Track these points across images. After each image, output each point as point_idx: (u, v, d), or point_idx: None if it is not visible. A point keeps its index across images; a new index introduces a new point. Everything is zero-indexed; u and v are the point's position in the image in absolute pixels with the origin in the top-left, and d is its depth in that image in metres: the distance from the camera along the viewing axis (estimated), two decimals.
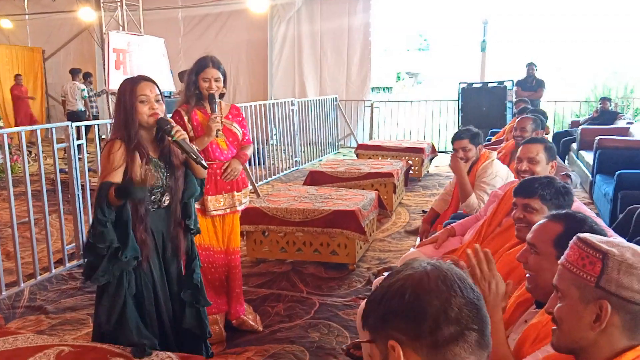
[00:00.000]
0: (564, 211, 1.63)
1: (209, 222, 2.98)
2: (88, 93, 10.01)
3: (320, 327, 3.19)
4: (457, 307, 0.89)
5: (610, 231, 2.13)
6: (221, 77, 2.91)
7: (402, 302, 0.91)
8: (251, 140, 3.21)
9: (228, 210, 3.02)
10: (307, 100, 9.36)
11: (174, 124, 2.18)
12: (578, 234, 1.20)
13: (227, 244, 3.07)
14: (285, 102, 8.55)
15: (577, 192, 4.68)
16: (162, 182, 2.21)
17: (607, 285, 1.11)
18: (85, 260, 2.14)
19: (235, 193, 3.02)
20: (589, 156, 6.25)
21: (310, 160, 9.11)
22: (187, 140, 2.20)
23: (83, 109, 9.85)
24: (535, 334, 1.45)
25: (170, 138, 2.16)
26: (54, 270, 4.07)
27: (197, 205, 2.70)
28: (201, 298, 2.35)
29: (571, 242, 1.21)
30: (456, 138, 3.68)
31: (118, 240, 2.06)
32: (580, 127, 7.47)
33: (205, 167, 2.26)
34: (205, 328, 2.40)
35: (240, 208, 3.08)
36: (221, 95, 2.96)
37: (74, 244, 4.40)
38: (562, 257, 1.23)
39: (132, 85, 2.16)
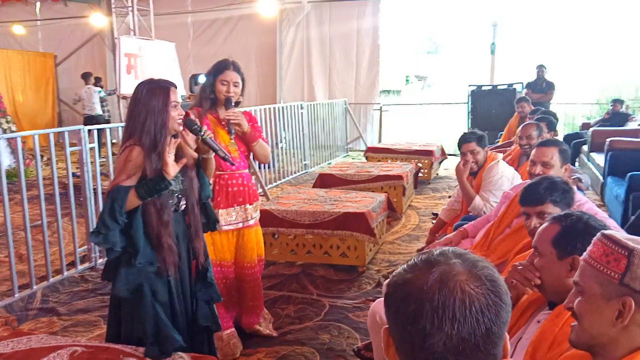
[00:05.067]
0: (563, 213, 1.63)
1: (223, 237, 2.88)
2: (104, 93, 10.09)
3: (331, 329, 3.20)
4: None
5: (613, 225, 2.12)
6: (240, 82, 2.78)
7: None
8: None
9: (240, 225, 2.90)
10: (316, 104, 9.38)
11: (198, 123, 2.25)
12: (603, 231, 1.19)
13: (240, 258, 2.97)
14: (294, 105, 8.57)
15: (588, 194, 4.65)
16: (179, 187, 2.22)
17: (631, 283, 1.10)
18: (106, 259, 2.17)
19: (248, 206, 2.90)
20: (600, 158, 6.21)
21: (320, 164, 9.12)
22: (213, 137, 2.29)
23: (101, 113, 9.91)
24: (552, 337, 1.43)
25: (200, 137, 2.23)
26: (66, 273, 4.11)
27: None
28: (214, 295, 2.39)
29: (595, 238, 1.20)
30: (463, 141, 3.63)
31: (130, 246, 2.07)
32: (591, 129, 7.43)
33: (232, 164, 2.37)
34: (218, 322, 2.44)
35: (252, 222, 2.96)
36: (236, 104, 2.82)
37: (85, 247, 4.44)
38: (585, 254, 1.21)
39: (164, 91, 2.14)
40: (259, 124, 2.99)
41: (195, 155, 2.30)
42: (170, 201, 2.20)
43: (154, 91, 2.14)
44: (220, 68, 2.77)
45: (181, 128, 2.20)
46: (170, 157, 2.08)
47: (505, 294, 0.83)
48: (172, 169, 2.08)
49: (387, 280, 0.91)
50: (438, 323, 0.78)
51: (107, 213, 2.01)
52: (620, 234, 1.17)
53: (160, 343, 2.09)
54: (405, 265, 0.87)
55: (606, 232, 1.19)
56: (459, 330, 0.78)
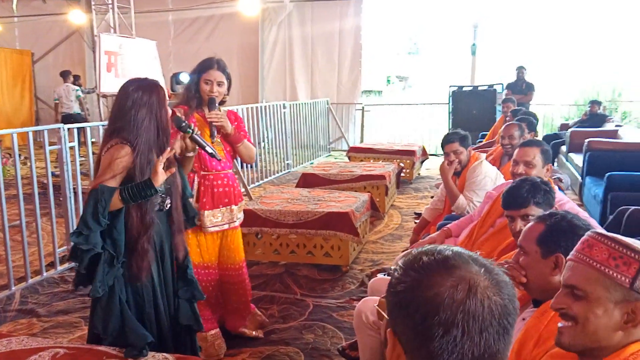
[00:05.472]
0: (547, 212, 1.66)
1: (208, 239, 2.84)
2: (82, 92, 9.93)
3: (315, 329, 3.19)
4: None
5: (594, 224, 2.15)
6: (225, 81, 2.74)
7: None
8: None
9: (226, 226, 2.86)
10: (299, 104, 9.38)
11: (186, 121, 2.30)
12: (603, 233, 1.16)
13: (223, 260, 2.94)
14: (276, 105, 8.56)
15: (567, 194, 4.72)
16: (164, 186, 2.18)
17: None
18: (77, 266, 2.09)
19: (234, 207, 2.87)
20: (578, 158, 6.30)
21: (302, 163, 9.12)
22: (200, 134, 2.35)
23: (79, 112, 9.74)
24: (537, 335, 1.45)
25: (188, 134, 2.26)
26: (45, 274, 4.04)
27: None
28: (196, 293, 2.36)
29: (594, 240, 1.16)
30: (446, 142, 3.66)
31: (112, 248, 2.03)
32: (570, 129, 7.55)
33: (219, 159, 2.52)
34: (199, 321, 2.40)
35: (237, 223, 2.93)
36: (221, 102, 2.79)
37: (65, 247, 4.37)
38: (582, 255, 1.17)
39: (161, 91, 2.12)
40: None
41: (177, 151, 2.28)
42: (156, 201, 2.18)
43: (152, 89, 2.10)
44: (204, 67, 2.73)
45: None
46: (160, 166, 2.04)
47: (515, 296, 0.84)
48: (161, 177, 2.04)
49: (390, 280, 0.87)
50: (468, 332, 0.78)
51: (90, 214, 1.96)
52: (626, 238, 1.14)
53: (128, 340, 2.06)
54: (413, 265, 0.84)
55: (609, 234, 1.15)
56: (486, 339, 0.79)
